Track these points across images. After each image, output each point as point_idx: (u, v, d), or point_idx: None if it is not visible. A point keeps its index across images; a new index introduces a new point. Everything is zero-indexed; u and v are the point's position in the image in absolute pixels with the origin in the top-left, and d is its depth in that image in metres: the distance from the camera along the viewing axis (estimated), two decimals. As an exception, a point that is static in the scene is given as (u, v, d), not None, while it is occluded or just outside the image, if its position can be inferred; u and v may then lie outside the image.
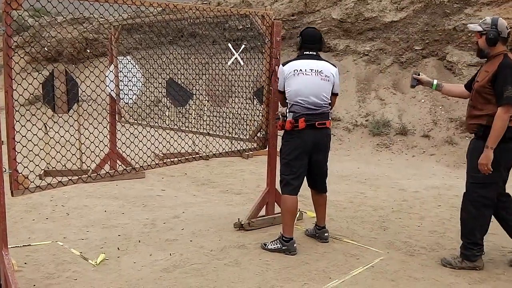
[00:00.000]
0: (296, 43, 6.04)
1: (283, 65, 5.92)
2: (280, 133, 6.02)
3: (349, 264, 5.47)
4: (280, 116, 5.84)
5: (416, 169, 10.58)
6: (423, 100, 12.80)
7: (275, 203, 6.71)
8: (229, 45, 6.97)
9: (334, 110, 13.38)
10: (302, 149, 5.69)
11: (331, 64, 5.95)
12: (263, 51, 6.65)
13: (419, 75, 5.74)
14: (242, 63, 6.93)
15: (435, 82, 5.74)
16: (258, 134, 6.74)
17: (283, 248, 5.70)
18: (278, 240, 5.78)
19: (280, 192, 5.98)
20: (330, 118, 5.85)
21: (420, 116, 12.47)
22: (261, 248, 5.80)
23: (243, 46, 7.04)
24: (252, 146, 6.86)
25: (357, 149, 12.34)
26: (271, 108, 6.49)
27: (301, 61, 5.83)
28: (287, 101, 5.83)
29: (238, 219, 6.52)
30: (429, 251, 5.89)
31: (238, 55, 6.93)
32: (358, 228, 6.69)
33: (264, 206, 6.69)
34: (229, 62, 7.04)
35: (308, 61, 5.81)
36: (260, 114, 6.74)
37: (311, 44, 5.91)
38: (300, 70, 5.73)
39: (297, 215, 6.72)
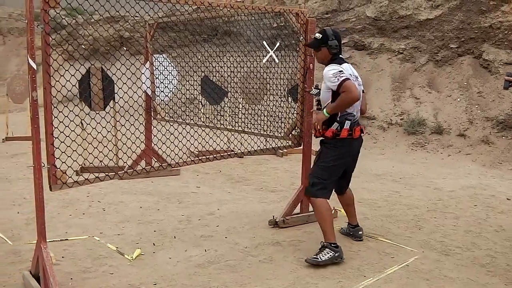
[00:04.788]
0: (332, 46, 5.53)
1: (338, 64, 5.47)
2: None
3: (383, 262, 5.45)
4: (336, 123, 5.45)
5: (451, 168, 10.48)
6: (458, 99, 12.67)
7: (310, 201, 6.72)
8: (264, 43, 6.97)
9: (369, 108, 13.38)
10: (347, 158, 5.62)
11: None
12: (298, 49, 6.65)
13: None
14: (277, 60, 6.93)
15: None
16: (293, 132, 6.74)
17: (336, 255, 5.37)
18: (327, 250, 5.40)
19: (310, 195, 5.75)
20: None
21: (456, 115, 12.34)
22: (312, 265, 5.32)
23: (277, 44, 7.04)
24: (287, 144, 6.86)
25: (392, 147, 12.27)
26: (306, 106, 6.50)
27: (346, 65, 5.54)
28: None
29: (273, 216, 6.54)
30: (465, 250, 5.84)
31: (273, 53, 6.94)
32: (393, 226, 6.66)
33: (299, 204, 6.69)
34: (264, 60, 7.05)
35: (350, 66, 5.65)
36: (295, 112, 6.74)
37: (341, 47, 5.70)
38: (350, 76, 5.41)
39: (332, 213, 6.72)
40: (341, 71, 5.31)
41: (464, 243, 6.09)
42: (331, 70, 5.35)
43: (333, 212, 6.72)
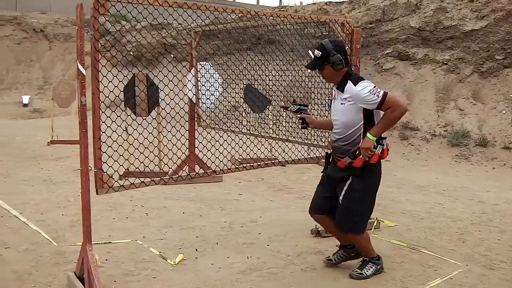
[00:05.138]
0: (336, 62, 4.89)
1: (366, 81, 4.95)
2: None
3: (426, 275, 5.39)
4: (379, 146, 4.92)
5: (496, 181, 10.31)
6: (504, 111, 12.49)
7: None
8: (310, 52, 6.96)
9: (412, 119, 13.29)
10: None
11: None
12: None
13: None
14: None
15: None
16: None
17: (379, 267, 5.33)
18: (370, 264, 5.30)
19: (353, 233, 5.24)
20: None
21: (501, 127, 12.16)
22: (357, 279, 5.21)
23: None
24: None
25: (435, 159, 12.13)
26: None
27: None
28: None
29: (316, 225, 6.51)
30: (510, 265, 5.73)
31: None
32: (436, 239, 6.58)
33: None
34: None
35: None
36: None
37: (347, 58, 5.09)
38: None
39: (375, 223, 6.69)
40: (375, 86, 4.82)
41: (509, 257, 5.98)
42: (364, 88, 4.79)
43: (375, 223, 6.71)
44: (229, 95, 8.28)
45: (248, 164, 6.07)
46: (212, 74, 8.49)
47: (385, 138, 4.98)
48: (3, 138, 14.57)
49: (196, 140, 8.40)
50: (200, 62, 9.04)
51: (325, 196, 5.34)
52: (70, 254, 5.75)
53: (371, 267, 5.28)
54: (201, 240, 6.32)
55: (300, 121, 5.55)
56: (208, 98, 8.45)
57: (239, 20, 8.49)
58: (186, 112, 6.50)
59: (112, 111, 5.16)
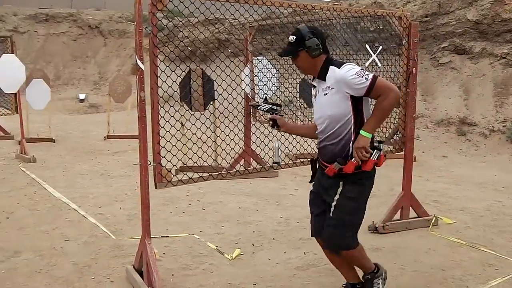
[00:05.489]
0: (312, 47, 4.08)
1: (351, 63, 4.20)
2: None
3: (486, 274, 5.27)
4: (376, 151, 4.14)
5: (557, 178, 10.05)
6: None
7: (411, 208, 6.59)
8: (367, 46, 6.91)
9: (470, 114, 13.07)
10: None
11: None
12: (399, 52, 6.55)
13: None
14: (379, 64, 6.85)
15: None
16: (395, 137, 6.64)
17: (383, 276, 4.48)
18: (375, 281, 4.43)
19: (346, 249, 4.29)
20: None
21: (562, 123, 11.87)
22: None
23: (380, 47, 6.95)
24: (389, 149, 6.76)
25: (494, 155, 11.89)
26: (408, 110, 6.39)
27: None
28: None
29: (373, 221, 6.44)
30: None
31: (376, 56, 6.86)
32: (496, 237, 6.43)
33: (399, 210, 6.59)
34: (367, 64, 6.99)
35: None
36: (397, 116, 6.63)
37: (326, 46, 4.29)
38: None
39: (433, 221, 6.59)
40: (362, 69, 4.04)
41: None
42: (350, 70, 4.00)
43: (433, 220, 6.61)
44: (286, 89, 8.26)
45: (305, 159, 6.04)
46: (269, 69, 8.48)
47: (383, 142, 4.34)
48: (61, 133, 14.85)
49: (253, 135, 8.40)
50: (257, 57, 9.05)
51: (320, 211, 4.41)
52: (128, 247, 5.83)
53: (378, 283, 4.48)
54: (257, 235, 6.33)
55: (271, 122, 4.70)
56: (265, 93, 8.45)
57: (295, 14, 8.44)
58: (242, 107, 6.49)
59: (171, 106, 5.20)
